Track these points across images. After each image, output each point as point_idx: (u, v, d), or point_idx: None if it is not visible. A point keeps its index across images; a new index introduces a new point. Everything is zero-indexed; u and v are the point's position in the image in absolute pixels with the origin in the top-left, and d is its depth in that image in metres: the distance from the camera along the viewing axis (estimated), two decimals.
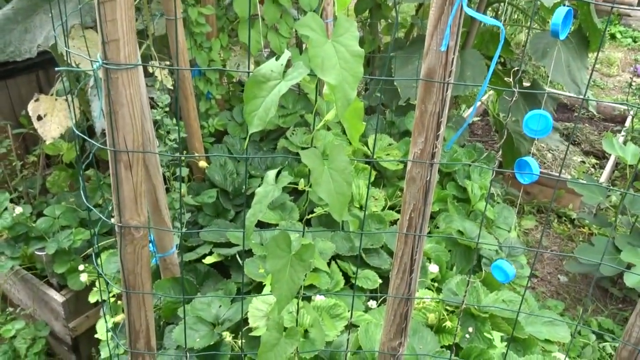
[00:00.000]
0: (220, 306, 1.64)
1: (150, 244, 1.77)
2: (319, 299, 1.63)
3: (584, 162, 3.91)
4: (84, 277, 2.07)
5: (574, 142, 4.11)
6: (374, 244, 2.00)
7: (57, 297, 2.31)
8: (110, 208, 2.40)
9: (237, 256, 1.83)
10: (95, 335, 1.63)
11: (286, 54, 1.01)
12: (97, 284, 2.09)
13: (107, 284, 1.46)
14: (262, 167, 2.43)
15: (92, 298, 2.07)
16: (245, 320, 1.54)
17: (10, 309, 2.50)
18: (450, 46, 1.03)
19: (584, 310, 2.82)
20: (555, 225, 3.45)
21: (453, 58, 1.04)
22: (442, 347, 1.62)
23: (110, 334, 1.48)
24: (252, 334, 1.44)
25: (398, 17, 3.40)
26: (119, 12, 0.96)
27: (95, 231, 2.21)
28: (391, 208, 2.37)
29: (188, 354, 1.48)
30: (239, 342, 1.49)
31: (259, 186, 1.04)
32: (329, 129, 2.53)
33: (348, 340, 1.37)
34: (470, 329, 1.67)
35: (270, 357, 1.16)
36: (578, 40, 2.92)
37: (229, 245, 1.93)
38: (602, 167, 3.80)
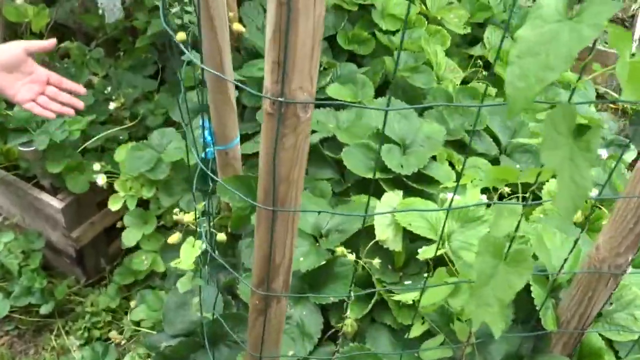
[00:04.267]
0: (319, 213, 1.23)
1: (206, 132, 1.31)
2: None
3: None
4: (100, 180, 1.59)
5: None
6: None
7: (54, 202, 1.84)
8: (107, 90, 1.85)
9: (318, 144, 1.39)
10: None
11: None
12: (116, 186, 1.61)
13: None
14: None
15: (114, 205, 1.61)
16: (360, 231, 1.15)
17: None
18: None
19: None
20: None
21: None
22: None
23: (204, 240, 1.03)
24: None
25: None
26: None
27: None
28: None
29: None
30: (362, 261, 1.11)
31: None
32: None
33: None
34: None
35: (487, 294, 0.79)
36: None
37: None
38: None
